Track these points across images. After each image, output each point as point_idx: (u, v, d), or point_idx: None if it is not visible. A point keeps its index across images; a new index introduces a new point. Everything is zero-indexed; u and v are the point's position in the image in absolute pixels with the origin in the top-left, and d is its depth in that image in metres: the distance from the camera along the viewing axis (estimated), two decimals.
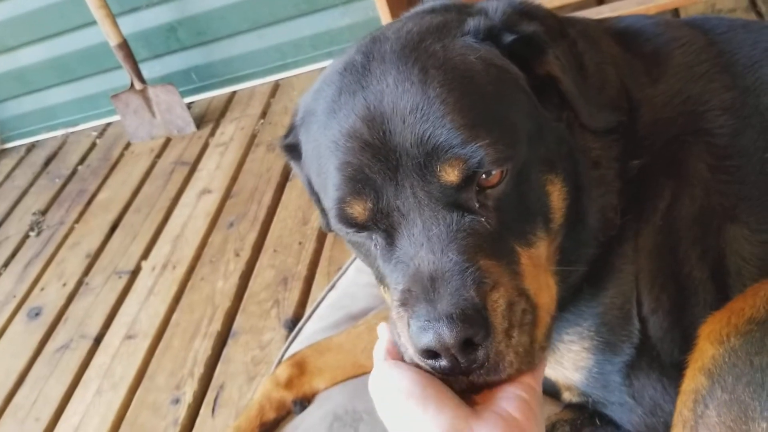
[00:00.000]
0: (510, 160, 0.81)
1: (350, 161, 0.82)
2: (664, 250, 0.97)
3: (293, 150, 1.01)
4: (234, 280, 2.55)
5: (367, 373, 1.33)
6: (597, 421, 1.01)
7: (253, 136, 3.38)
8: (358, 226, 0.84)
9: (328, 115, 0.86)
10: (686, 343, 0.93)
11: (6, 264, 3.28)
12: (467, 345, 0.74)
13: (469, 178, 0.79)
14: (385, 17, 2.70)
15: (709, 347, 0.87)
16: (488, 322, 0.74)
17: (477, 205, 0.81)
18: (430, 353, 0.75)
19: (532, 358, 0.79)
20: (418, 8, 1.02)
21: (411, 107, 0.80)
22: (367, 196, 0.81)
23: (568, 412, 1.06)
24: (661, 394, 0.96)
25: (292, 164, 1.04)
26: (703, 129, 0.98)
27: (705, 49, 1.02)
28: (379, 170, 0.80)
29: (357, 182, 0.81)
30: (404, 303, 0.79)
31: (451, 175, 0.79)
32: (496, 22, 0.88)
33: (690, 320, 0.96)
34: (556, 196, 0.88)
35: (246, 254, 2.64)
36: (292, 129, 1.01)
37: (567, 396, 1.06)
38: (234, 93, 3.82)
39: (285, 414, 1.45)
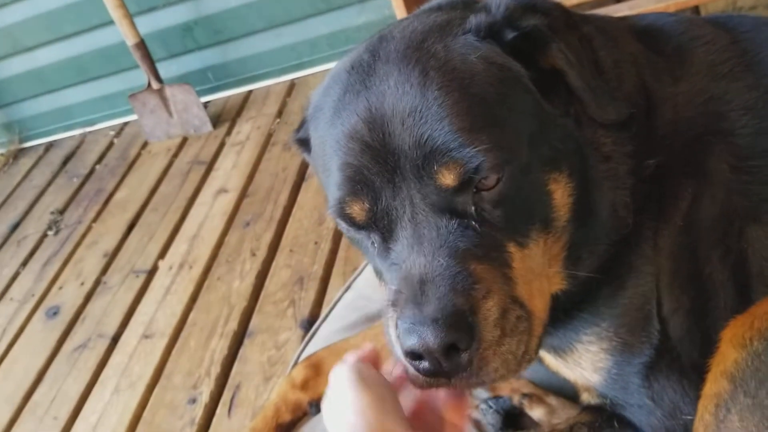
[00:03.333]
0: (508, 164, 0.81)
1: (351, 162, 0.83)
2: (685, 250, 0.96)
3: (305, 144, 1.02)
4: (250, 279, 2.55)
5: None
6: (615, 424, 1.00)
7: (269, 136, 3.39)
8: (357, 226, 0.86)
9: (333, 114, 0.88)
10: (706, 344, 0.92)
11: (25, 263, 3.31)
12: (451, 349, 0.76)
13: (466, 183, 0.80)
14: (401, 15, 2.69)
15: (731, 351, 0.86)
16: (473, 328, 0.76)
17: (472, 209, 0.81)
18: (415, 355, 0.77)
19: (518, 366, 0.81)
20: (426, 6, 1.02)
21: (410, 110, 0.81)
22: (365, 197, 0.83)
23: (586, 414, 1.05)
24: (680, 396, 0.95)
25: (305, 156, 1.05)
26: (725, 129, 0.97)
27: (728, 47, 1.00)
28: (378, 172, 0.82)
29: (356, 183, 0.83)
30: (395, 303, 0.81)
31: (447, 178, 0.80)
32: (497, 19, 0.87)
33: (710, 321, 0.95)
34: (560, 193, 0.87)
35: (262, 254, 2.64)
36: (303, 123, 1.03)
37: (585, 397, 1.05)
38: (250, 92, 3.83)
39: (301, 415, 1.45)
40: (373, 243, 0.87)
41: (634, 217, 0.94)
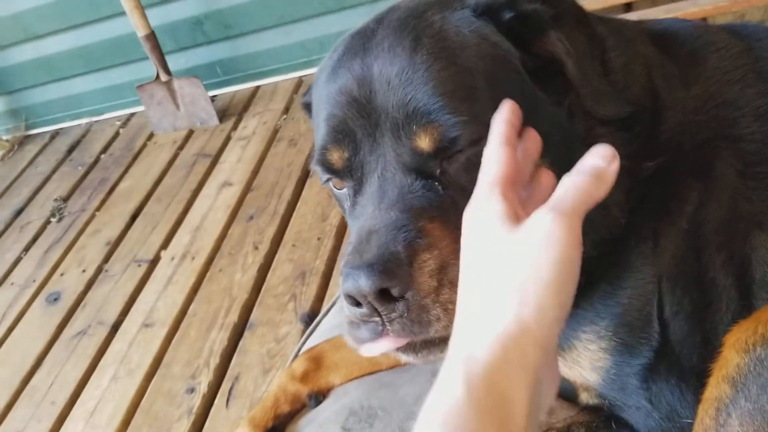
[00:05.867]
0: (485, 138, 0.81)
1: (336, 114, 0.86)
2: (689, 253, 0.96)
3: (309, 108, 1.04)
4: (252, 272, 2.56)
5: (383, 370, 1.33)
6: (613, 425, 1.00)
7: (275, 131, 3.40)
8: (333, 172, 0.89)
9: (331, 72, 0.91)
10: (706, 348, 0.93)
11: (27, 249, 3.32)
12: (384, 295, 0.76)
13: (440, 150, 0.82)
14: None
15: (734, 356, 0.86)
16: (410, 276, 0.76)
17: (438, 171, 0.83)
18: (353, 300, 0.77)
19: None
20: None
21: (398, 71, 0.83)
22: (345, 146, 0.86)
23: (584, 414, 1.05)
24: (678, 399, 0.95)
25: (310, 121, 1.07)
26: (735, 135, 0.97)
27: (742, 54, 1.01)
28: (362, 125, 0.84)
29: (338, 132, 0.86)
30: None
31: (423, 141, 0.81)
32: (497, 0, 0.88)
33: (711, 325, 0.95)
34: None
35: (265, 247, 2.66)
36: (310, 88, 1.05)
37: (584, 397, 1.05)
38: (257, 88, 3.84)
39: (300, 407, 1.45)
40: (348, 201, 0.90)
41: (631, 217, 0.95)
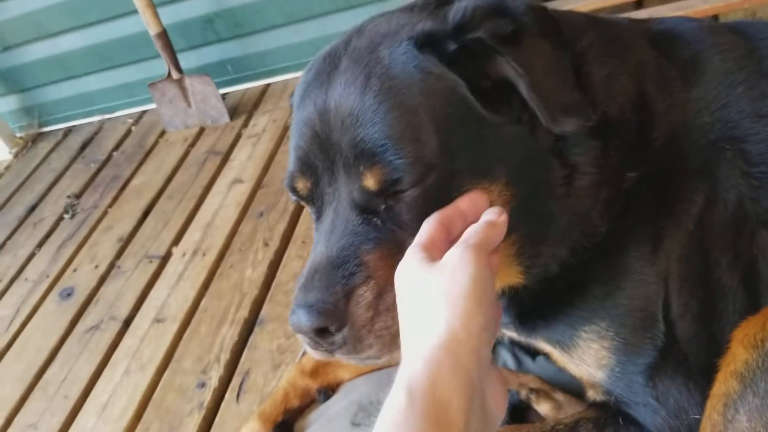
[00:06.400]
0: (429, 176, 0.85)
1: (302, 145, 0.92)
2: (695, 254, 0.97)
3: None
4: (262, 269, 2.58)
5: (391, 365, 1.35)
6: (620, 421, 1.01)
7: (285, 129, 3.41)
8: (300, 198, 0.96)
9: (302, 98, 0.96)
10: (713, 347, 0.94)
11: (40, 244, 3.35)
12: (324, 331, 0.84)
13: (385, 189, 0.86)
14: None
15: (742, 351, 0.87)
16: (346, 313, 0.83)
17: (382, 207, 0.87)
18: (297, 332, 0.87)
19: (394, 340, 0.85)
20: (406, 4, 1.00)
21: (350, 111, 0.87)
22: (309, 177, 0.92)
23: (591, 410, 1.06)
24: (685, 397, 0.96)
25: None
26: (739, 136, 0.98)
27: (746, 55, 1.01)
28: (322, 159, 0.90)
29: (303, 163, 0.92)
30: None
31: (369, 181, 0.86)
32: (444, 28, 0.88)
33: (718, 325, 0.96)
34: (491, 201, 0.89)
35: (275, 244, 2.67)
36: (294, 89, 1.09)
37: (591, 394, 1.06)
38: (268, 86, 3.85)
39: (309, 402, 1.47)
40: (313, 221, 0.96)
41: (624, 222, 0.96)
